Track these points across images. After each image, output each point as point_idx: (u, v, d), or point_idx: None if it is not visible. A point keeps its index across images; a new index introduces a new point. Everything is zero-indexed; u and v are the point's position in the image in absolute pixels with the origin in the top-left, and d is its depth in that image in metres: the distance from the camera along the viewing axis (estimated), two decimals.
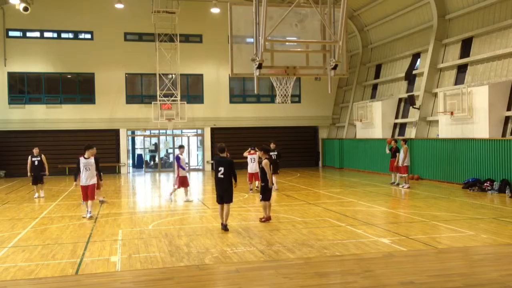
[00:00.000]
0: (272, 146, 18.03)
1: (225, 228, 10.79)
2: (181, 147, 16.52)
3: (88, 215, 12.70)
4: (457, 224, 11.14)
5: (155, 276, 7.50)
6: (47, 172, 17.72)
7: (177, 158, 15.93)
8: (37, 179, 17.46)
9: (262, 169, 11.87)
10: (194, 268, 7.87)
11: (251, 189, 17.67)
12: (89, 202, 12.80)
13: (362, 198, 16.10)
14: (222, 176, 10.72)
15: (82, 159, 12.65)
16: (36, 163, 17.44)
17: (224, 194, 10.79)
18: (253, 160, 17.41)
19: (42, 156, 17.57)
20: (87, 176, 12.65)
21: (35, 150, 17.62)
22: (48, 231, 11.31)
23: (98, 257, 8.74)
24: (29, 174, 17.47)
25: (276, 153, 17.90)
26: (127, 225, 11.97)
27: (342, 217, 12.33)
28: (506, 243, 9.25)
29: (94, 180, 12.80)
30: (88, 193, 12.71)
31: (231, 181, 10.80)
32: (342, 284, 6.92)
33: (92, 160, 12.75)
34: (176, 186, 16.07)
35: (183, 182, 15.83)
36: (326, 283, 7.00)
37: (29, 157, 17.53)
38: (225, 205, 10.82)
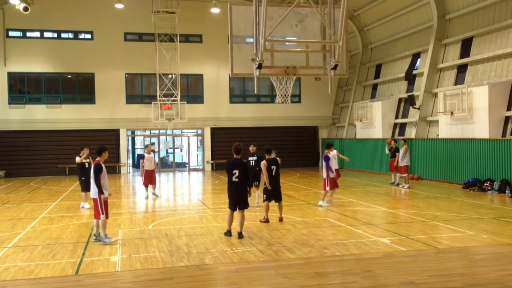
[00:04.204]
0: (251, 149, 14.39)
1: (240, 236, 9.95)
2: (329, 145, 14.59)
3: (109, 240, 9.79)
4: (457, 224, 11.14)
5: (155, 276, 7.50)
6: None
7: (326, 158, 14.10)
8: (88, 186, 14.02)
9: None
10: (194, 268, 7.87)
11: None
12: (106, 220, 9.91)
13: (362, 198, 16.10)
14: (237, 179, 9.90)
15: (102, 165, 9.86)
16: (86, 165, 14.58)
17: (240, 200, 9.96)
18: (334, 157, 15.00)
19: (90, 158, 14.51)
20: (106, 185, 9.92)
21: (86, 151, 14.75)
22: (48, 231, 11.32)
23: (98, 257, 8.75)
24: (81, 178, 14.65)
25: (255, 158, 13.94)
26: (127, 225, 11.97)
27: (342, 217, 12.33)
28: (506, 243, 9.25)
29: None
30: (107, 208, 9.87)
31: (247, 185, 10.06)
32: (342, 284, 6.93)
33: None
34: (328, 188, 14.22)
35: (333, 183, 14.21)
36: (326, 283, 7.01)
37: (77, 157, 14.75)
38: (240, 212, 10.01)
